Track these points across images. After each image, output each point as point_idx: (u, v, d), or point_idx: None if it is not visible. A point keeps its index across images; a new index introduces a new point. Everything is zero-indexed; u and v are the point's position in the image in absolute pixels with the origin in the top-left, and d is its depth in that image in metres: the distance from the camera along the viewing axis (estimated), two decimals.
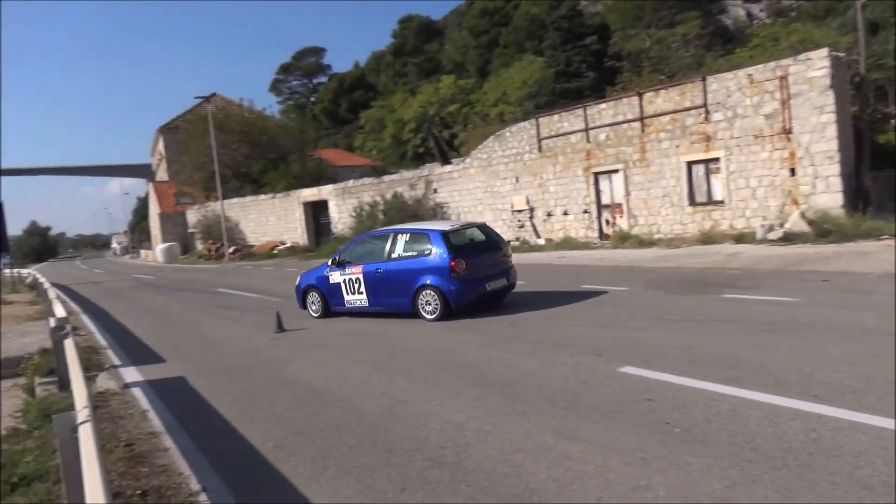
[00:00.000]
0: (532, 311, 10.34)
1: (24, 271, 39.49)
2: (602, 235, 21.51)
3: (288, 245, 36.39)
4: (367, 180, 32.00)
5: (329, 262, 12.40)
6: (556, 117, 22.64)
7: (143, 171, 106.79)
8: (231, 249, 38.48)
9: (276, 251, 36.03)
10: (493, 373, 6.89)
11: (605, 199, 21.38)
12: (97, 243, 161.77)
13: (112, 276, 35.36)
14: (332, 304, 12.13)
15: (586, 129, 21.46)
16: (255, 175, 43.93)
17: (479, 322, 9.84)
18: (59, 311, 10.51)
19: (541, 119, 23.13)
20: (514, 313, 10.29)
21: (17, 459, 5.51)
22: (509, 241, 23.94)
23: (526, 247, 22.83)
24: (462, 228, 11.22)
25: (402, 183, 28.84)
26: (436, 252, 10.57)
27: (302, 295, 12.78)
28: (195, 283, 23.68)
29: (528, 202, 23.63)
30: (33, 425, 6.69)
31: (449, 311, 10.43)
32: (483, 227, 11.68)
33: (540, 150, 23.00)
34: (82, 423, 3.56)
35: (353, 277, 11.68)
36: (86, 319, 15.92)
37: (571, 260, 17.95)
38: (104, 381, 8.58)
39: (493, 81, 50.49)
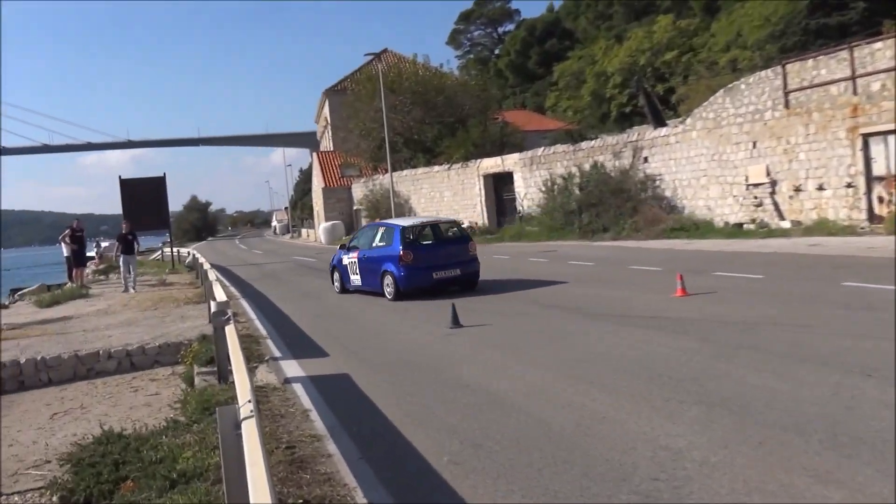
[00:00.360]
0: (771, 313, 9.74)
1: (184, 250, 43.92)
2: (872, 217, 19.73)
3: (465, 225, 37.21)
4: (560, 148, 31.85)
5: (339, 247, 18.25)
6: (809, 63, 21.04)
7: (308, 140, 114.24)
8: None
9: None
10: (719, 390, 6.58)
11: (879, 170, 19.56)
12: (256, 221, 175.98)
13: (271, 258, 38.35)
14: (345, 282, 17.33)
15: (853, 77, 19.72)
16: (430, 142, 45.37)
17: (701, 326, 9.45)
18: (220, 294, 11.55)
19: (789, 66, 21.61)
20: (747, 315, 9.76)
21: (176, 454, 6.12)
22: (741, 223, 22.81)
23: (764, 231, 21.53)
24: (423, 225, 16.19)
25: (604, 150, 28.36)
26: (394, 244, 15.36)
27: (330, 273, 18.30)
28: None
29: (768, 174, 22.25)
30: (192, 418, 7.41)
31: (399, 293, 15.10)
32: (453, 223, 17.09)
33: (787, 105, 21.53)
34: (246, 418, 3.86)
35: (353, 261, 16.91)
36: (245, 304, 17.42)
37: (828, 249, 16.68)
38: (264, 375, 9.32)
39: (723, 21, 47.96)
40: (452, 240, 16.13)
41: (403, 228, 15.67)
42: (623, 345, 8.82)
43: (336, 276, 17.87)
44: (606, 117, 52.44)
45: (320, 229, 53.38)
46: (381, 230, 16.54)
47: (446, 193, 40.33)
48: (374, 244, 16.33)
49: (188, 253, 38.50)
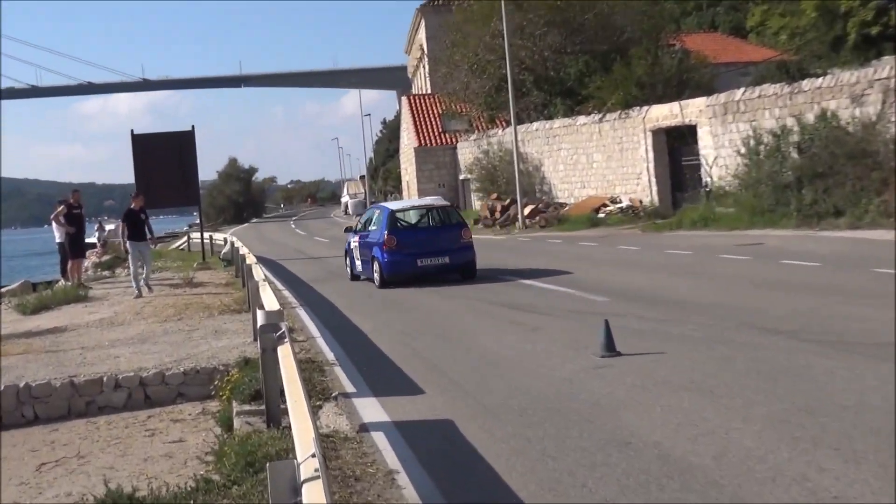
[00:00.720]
0: None
1: (218, 236, 45.08)
2: None
3: (623, 205, 36.88)
4: (769, 89, 31.13)
5: (345, 230, 25.70)
6: None
7: (394, 78, 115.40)
8: (528, 210, 40.08)
9: (602, 214, 36.73)
10: None
11: None
12: (320, 195, 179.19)
13: (341, 248, 38.88)
14: (353, 268, 23.37)
15: None
16: (572, 81, 45.08)
17: None
18: (270, 300, 11.79)
19: None
20: None
21: None
22: None
23: None
24: (413, 208, 22.51)
25: (838, 92, 27.54)
26: (382, 228, 20.84)
27: (344, 258, 24.69)
28: None
29: None
30: (231, 477, 7.59)
31: (384, 281, 20.63)
32: (447, 208, 22.41)
33: None
34: (308, 480, 3.91)
35: (354, 245, 22.98)
36: (303, 315, 17.79)
37: None
38: (331, 417, 9.46)
39: None
40: (444, 225, 21.54)
41: (392, 212, 21.46)
42: (868, 389, 8.57)
43: (348, 261, 24.03)
44: (841, 43, 50.79)
45: None
46: (376, 213, 22.69)
47: (596, 157, 40.02)
48: (370, 228, 22.19)
49: (224, 240, 39.46)
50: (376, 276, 20.93)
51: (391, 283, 20.48)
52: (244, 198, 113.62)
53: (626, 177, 37.91)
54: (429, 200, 24.11)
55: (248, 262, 20.62)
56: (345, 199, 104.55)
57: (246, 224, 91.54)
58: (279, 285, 23.12)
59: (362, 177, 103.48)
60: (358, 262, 22.79)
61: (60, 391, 12.75)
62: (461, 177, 52.92)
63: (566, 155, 42.00)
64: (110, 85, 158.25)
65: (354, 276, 23.27)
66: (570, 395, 9.46)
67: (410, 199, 31.32)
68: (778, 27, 57.14)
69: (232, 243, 33.09)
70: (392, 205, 23.05)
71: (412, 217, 22.08)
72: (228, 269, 29.63)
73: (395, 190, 75.98)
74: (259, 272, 17.61)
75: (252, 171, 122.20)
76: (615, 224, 34.88)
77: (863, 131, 25.89)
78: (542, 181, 43.52)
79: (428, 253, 20.54)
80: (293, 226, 76.26)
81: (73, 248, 26.74)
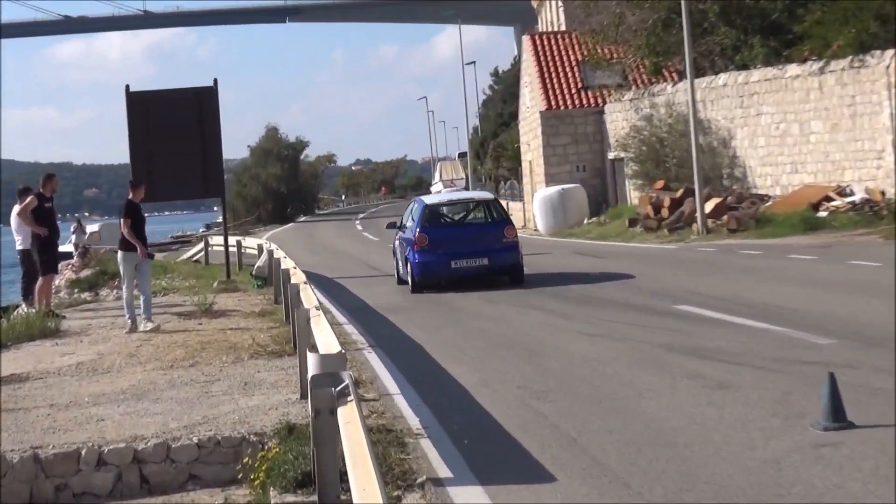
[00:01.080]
0: None
1: (250, 242, 45.34)
2: None
3: (856, 198, 36.35)
4: None
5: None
6: None
7: (511, 9, 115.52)
8: (711, 206, 39.81)
9: (824, 212, 36.26)
10: None
11: None
12: (398, 180, 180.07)
13: None
14: (398, 270, 29.24)
15: None
16: (777, 13, 44.74)
17: None
18: (326, 338, 11.76)
19: None
20: None
21: None
22: None
23: None
24: (450, 202, 29.14)
25: None
26: (415, 224, 26.86)
27: (393, 259, 30.91)
28: (618, 288, 25.31)
29: None
30: None
31: (415, 285, 26.53)
32: (489, 203, 28.57)
33: None
34: None
35: (397, 243, 28.98)
36: (373, 360, 17.89)
37: None
38: None
39: None
40: (484, 222, 27.88)
41: (426, 206, 27.62)
42: None
43: (394, 262, 30.10)
44: None
45: (536, 203, 53.65)
46: (414, 207, 28.67)
47: (814, 126, 39.58)
48: (408, 224, 28.17)
49: (259, 248, 39.75)
50: (409, 278, 27.03)
51: (423, 287, 26.53)
52: (288, 185, 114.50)
53: (861, 156, 37.38)
54: (470, 193, 30.10)
55: (293, 280, 20.68)
56: (436, 186, 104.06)
57: (291, 224, 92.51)
58: (339, 316, 23.29)
59: (462, 155, 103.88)
60: (399, 263, 28.87)
61: (19, 469, 12.77)
62: (610, 155, 52.76)
63: (769, 123, 41.61)
64: (97, 20, 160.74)
65: (401, 280, 29.18)
66: (777, 486, 9.27)
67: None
68: None
69: (270, 253, 33.40)
70: (428, 198, 29.77)
71: (449, 212, 28.85)
72: (264, 290, 29.87)
73: (512, 175, 75.96)
74: (311, 296, 17.63)
75: (300, 145, 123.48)
76: (844, 227, 34.55)
77: None
78: (732, 162, 43.21)
79: (464, 253, 26.24)
80: (359, 227, 76.98)
81: (44, 258, 25.83)
